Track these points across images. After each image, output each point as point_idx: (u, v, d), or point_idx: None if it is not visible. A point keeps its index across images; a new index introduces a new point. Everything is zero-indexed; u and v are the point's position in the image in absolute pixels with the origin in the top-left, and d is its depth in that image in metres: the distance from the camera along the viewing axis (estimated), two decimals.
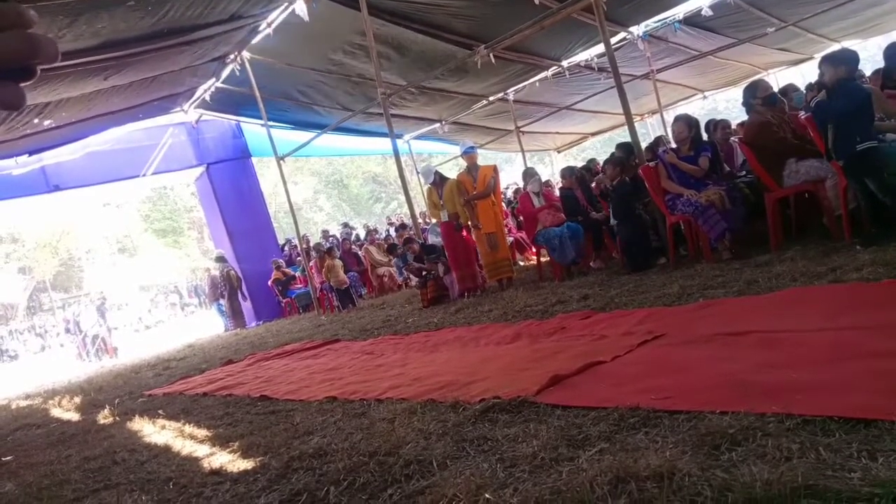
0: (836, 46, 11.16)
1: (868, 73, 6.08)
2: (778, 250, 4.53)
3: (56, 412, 5.71)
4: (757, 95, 4.90)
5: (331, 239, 14.04)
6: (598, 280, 5.63)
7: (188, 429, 3.55)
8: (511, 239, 9.29)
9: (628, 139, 6.18)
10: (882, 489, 1.22)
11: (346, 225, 16.45)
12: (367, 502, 1.84)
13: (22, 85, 0.56)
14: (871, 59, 10.39)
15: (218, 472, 2.51)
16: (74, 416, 5.19)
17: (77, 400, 6.09)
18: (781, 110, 5.03)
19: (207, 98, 10.96)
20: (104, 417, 4.63)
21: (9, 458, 3.89)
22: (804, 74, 13.93)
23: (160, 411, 4.35)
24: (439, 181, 7.31)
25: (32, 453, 3.91)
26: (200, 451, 2.97)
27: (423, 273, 7.67)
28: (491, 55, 7.67)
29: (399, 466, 2.03)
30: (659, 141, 7.39)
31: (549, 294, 5.46)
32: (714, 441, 1.64)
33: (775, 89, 5.96)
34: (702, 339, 2.78)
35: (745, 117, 5.37)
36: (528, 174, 7.36)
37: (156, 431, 3.72)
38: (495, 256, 6.94)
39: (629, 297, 4.34)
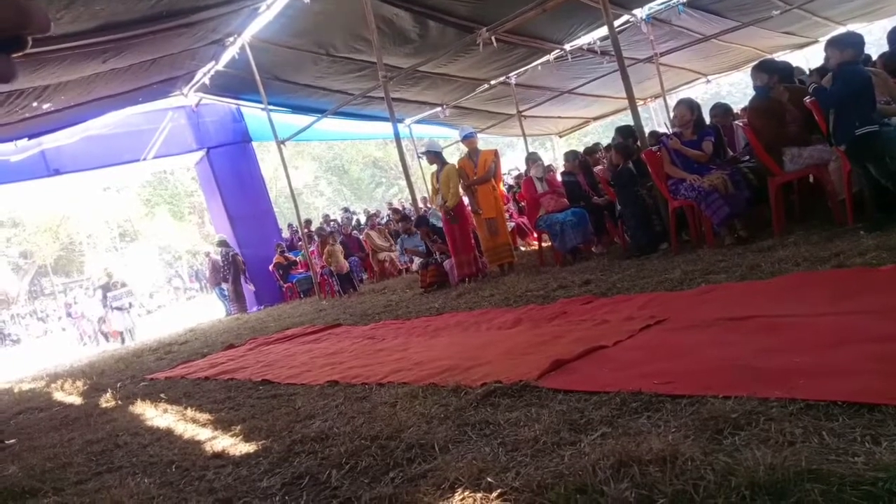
0: (841, 29, 11.04)
1: (874, 56, 5.99)
2: (781, 235, 4.51)
3: (58, 396, 5.74)
4: (768, 76, 4.77)
5: (332, 224, 14.02)
6: (600, 265, 5.62)
7: (190, 413, 3.56)
8: (512, 224, 9.26)
9: (630, 123, 6.13)
10: (886, 473, 1.21)
11: (346, 210, 16.44)
12: (369, 486, 1.84)
13: (13, 56, 0.54)
14: (876, 42, 10.27)
15: (220, 456, 2.52)
16: (77, 400, 5.21)
17: (79, 384, 6.11)
18: (799, 88, 4.94)
19: (207, 82, 10.87)
20: (106, 401, 4.65)
21: (12, 441, 3.90)
22: (808, 58, 13.80)
23: (162, 395, 4.36)
24: (439, 165, 7.24)
25: (35, 436, 3.93)
26: (202, 434, 2.98)
27: (430, 255, 7.68)
28: (493, 38, 7.60)
29: (401, 450, 2.03)
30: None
31: (550, 279, 5.45)
32: (717, 425, 1.63)
33: None
34: (704, 324, 2.77)
35: (747, 102, 5.30)
36: (532, 158, 7.32)
37: (158, 415, 3.73)
38: (495, 241, 6.92)
39: (631, 282, 4.34)
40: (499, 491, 1.57)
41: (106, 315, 13.37)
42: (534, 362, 2.71)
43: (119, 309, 11.84)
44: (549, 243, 6.65)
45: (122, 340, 12.03)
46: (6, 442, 3.86)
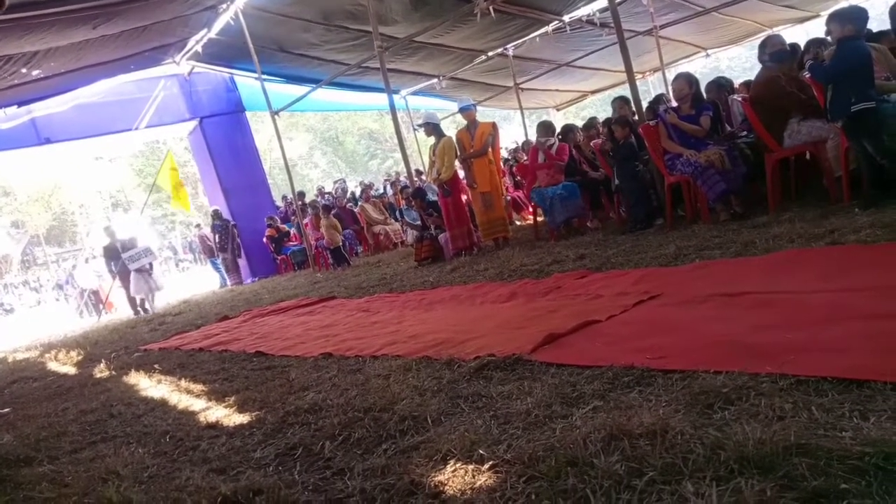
0: (843, 3, 10.90)
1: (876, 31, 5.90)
2: (776, 212, 4.51)
3: (53, 366, 5.74)
4: (766, 51, 4.78)
5: (326, 196, 13.94)
6: (595, 240, 5.62)
7: (184, 383, 3.57)
8: (508, 198, 9.23)
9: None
10: (873, 448, 1.23)
11: (341, 181, 16.33)
12: (362, 457, 1.86)
13: None
14: (878, 17, 10.15)
15: (214, 426, 2.53)
16: (71, 370, 5.22)
17: (73, 354, 6.12)
18: (791, 67, 4.91)
19: (199, 50, 10.68)
20: (100, 371, 4.66)
21: (6, 410, 3.92)
22: (808, 32, 13.63)
23: (156, 366, 4.37)
24: (436, 137, 7.17)
25: (30, 406, 3.94)
26: (197, 405, 2.99)
27: (425, 228, 7.66)
28: (491, 8, 7.47)
29: (394, 422, 2.05)
30: (660, 99, 7.25)
31: (544, 254, 5.45)
32: (707, 400, 1.65)
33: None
34: (697, 300, 2.78)
35: (746, 77, 5.26)
36: (542, 126, 7.19)
37: (152, 386, 3.75)
38: (490, 216, 6.90)
39: (625, 258, 4.34)
40: (490, 463, 1.58)
41: (109, 281, 11.82)
42: (527, 336, 2.72)
43: (139, 271, 9.81)
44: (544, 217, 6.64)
45: (138, 311, 10.11)
46: (1, 411, 3.87)
